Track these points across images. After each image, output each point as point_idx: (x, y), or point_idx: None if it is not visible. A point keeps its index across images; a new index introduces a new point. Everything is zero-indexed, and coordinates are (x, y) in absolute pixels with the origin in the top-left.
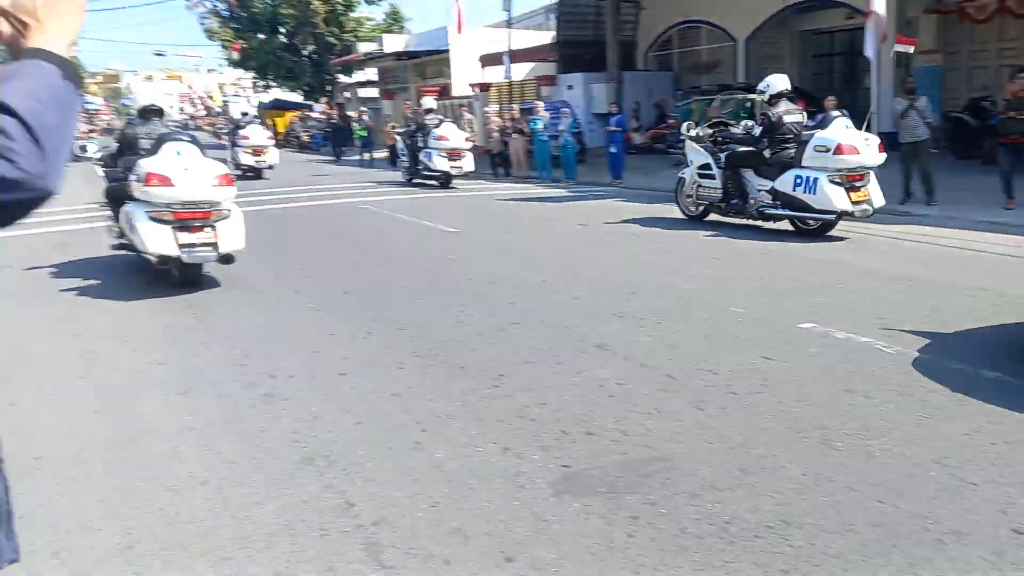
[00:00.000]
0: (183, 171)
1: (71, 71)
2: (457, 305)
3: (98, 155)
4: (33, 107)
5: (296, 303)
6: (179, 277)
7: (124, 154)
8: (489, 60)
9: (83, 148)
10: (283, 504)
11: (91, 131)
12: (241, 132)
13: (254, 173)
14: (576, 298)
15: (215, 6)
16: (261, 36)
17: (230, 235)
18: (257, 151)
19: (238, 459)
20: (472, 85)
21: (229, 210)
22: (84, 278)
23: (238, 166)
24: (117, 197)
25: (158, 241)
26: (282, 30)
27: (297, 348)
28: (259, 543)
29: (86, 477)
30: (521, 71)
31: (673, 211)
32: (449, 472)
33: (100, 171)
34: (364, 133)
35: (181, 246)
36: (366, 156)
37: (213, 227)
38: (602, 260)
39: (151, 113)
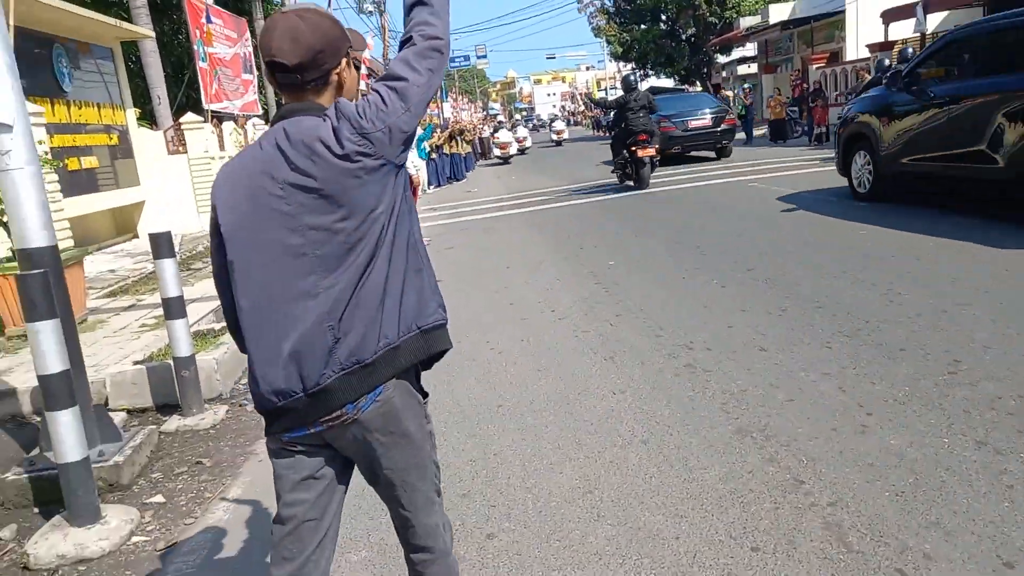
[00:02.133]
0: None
1: None
2: (882, 282)
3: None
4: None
5: (700, 280)
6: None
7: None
8: (894, 15)
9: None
10: (727, 471)
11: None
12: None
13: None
14: None
15: (603, 4)
16: (643, 27)
17: None
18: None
19: (672, 424)
20: (871, 46)
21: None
22: (506, 256)
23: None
24: None
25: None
26: (663, 17)
27: (709, 322)
28: (709, 506)
29: (542, 426)
30: (933, 22)
31: None
32: (911, 461)
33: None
34: (742, 111)
35: None
36: (745, 134)
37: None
38: None
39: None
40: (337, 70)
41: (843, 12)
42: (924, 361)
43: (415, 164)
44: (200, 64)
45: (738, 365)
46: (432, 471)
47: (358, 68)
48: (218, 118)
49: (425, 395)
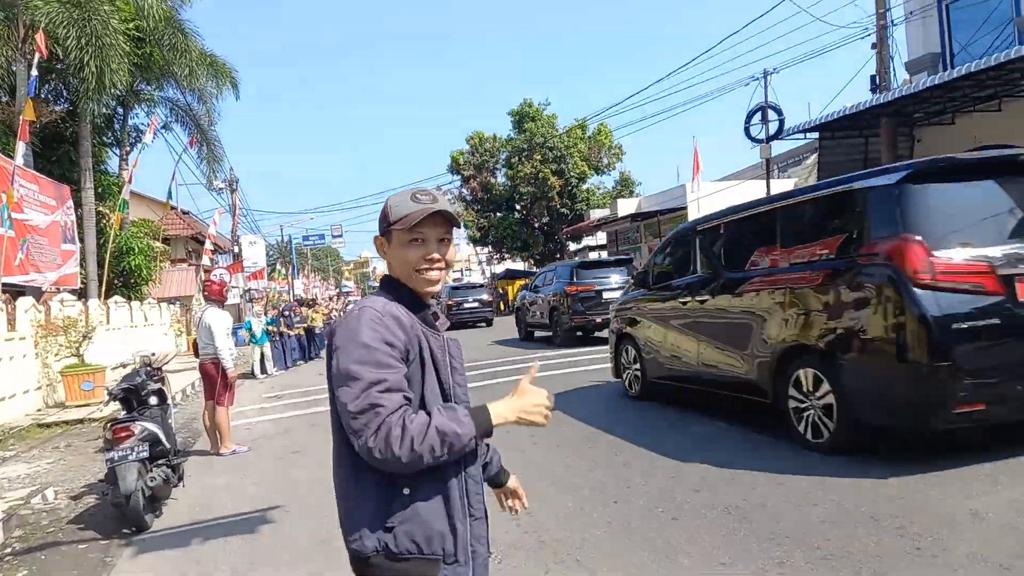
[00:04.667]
0: None
1: (482, 437)
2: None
3: None
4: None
5: (639, 503)
6: None
7: None
8: None
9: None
10: None
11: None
12: None
13: None
14: None
15: (460, 192)
16: (499, 214)
17: None
18: None
19: None
20: None
21: None
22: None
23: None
24: None
25: None
26: (518, 207)
27: None
28: None
29: None
30: None
31: None
32: None
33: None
34: None
35: None
36: None
37: None
38: None
39: None
40: None
41: (685, 208)
42: None
43: (231, 351)
44: (1, 230)
45: None
46: None
47: None
48: (11, 293)
49: None
